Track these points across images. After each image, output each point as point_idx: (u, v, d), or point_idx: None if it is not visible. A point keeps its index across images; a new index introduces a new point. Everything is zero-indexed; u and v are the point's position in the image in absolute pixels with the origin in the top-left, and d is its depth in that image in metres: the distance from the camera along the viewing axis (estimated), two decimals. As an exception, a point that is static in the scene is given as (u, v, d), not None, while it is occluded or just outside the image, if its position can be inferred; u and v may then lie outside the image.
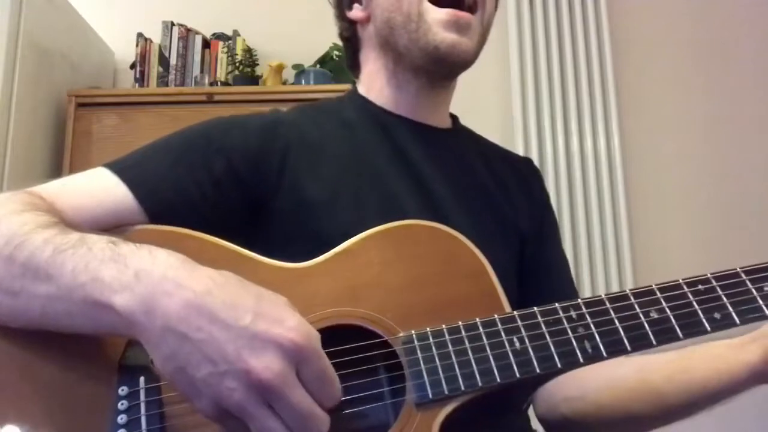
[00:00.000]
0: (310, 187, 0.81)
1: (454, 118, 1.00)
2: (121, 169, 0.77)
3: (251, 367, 0.52)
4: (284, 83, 2.51)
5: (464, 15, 0.86)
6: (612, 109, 2.60)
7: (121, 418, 0.59)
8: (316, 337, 0.56)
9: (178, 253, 0.59)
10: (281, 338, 0.53)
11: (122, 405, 0.60)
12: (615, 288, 2.44)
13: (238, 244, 0.72)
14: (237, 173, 0.79)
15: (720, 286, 0.65)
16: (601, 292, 2.49)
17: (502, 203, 0.92)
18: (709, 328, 0.63)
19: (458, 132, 0.99)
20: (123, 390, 0.61)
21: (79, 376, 0.62)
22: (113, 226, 0.72)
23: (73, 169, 0.78)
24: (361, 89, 0.97)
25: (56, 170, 2.19)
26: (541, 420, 0.90)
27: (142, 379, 0.61)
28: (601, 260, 2.49)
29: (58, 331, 0.61)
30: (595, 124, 2.60)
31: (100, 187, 0.75)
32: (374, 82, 0.95)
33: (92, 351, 0.63)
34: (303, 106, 0.95)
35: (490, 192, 0.92)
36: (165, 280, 0.55)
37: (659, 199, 2.60)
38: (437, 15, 0.85)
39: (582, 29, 2.68)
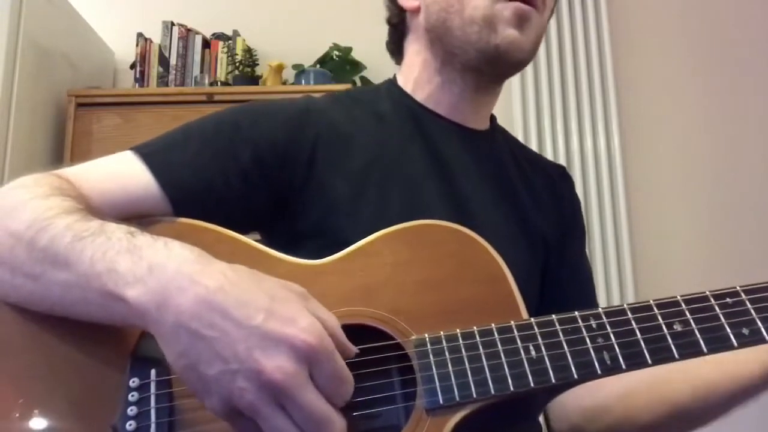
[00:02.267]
0: (336, 180, 0.80)
1: (492, 118, 0.98)
2: (146, 153, 0.76)
3: (263, 367, 0.51)
4: (284, 83, 2.50)
5: (528, 8, 0.84)
6: (612, 109, 2.60)
7: (131, 410, 0.59)
8: (329, 338, 0.54)
9: (194, 246, 0.59)
10: (294, 338, 0.52)
11: (133, 396, 0.59)
12: (615, 289, 2.44)
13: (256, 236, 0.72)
14: (264, 164, 0.78)
15: (750, 299, 0.62)
16: (601, 293, 2.48)
17: (530, 208, 0.90)
18: (736, 344, 0.60)
19: (494, 133, 0.96)
20: (134, 382, 0.60)
21: (93, 364, 0.62)
22: (137, 212, 0.71)
23: (73, 170, 0.78)
24: (400, 80, 0.94)
25: (56, 170, 2.19)
26: (551, 429, 0.88)
27: (153, 371, 0.61)
28: (600, 260, 2.49)
29: (75, 318, 0.61)
30: (595, 124, 2.60)
31: (125, 173, 0.74)
32: (416, 76, 0.92)
33: (108, 340, 0.62)
34: (336, 94, 0.93)
35: (519, 196, 0.91)
36: (179, 275, 0.55)
37: (659, 199, 2.60)
38: (505, 12, 0.83)
39: (582, 29, 2.69)
